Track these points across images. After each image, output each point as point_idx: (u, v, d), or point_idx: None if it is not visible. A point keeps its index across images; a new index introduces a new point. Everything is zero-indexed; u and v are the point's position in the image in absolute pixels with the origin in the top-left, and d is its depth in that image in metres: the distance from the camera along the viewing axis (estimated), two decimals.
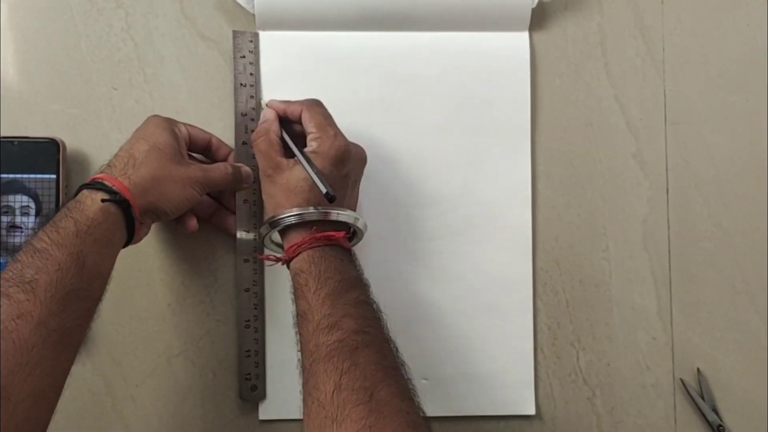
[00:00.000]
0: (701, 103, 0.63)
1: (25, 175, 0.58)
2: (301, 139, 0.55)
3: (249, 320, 0.60)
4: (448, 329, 0.62)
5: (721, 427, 0.61)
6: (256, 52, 0.61)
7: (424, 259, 0.61)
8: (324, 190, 0.51)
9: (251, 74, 0.61)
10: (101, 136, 0.61)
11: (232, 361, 0.61)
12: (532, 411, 0.62)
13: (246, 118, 0.60)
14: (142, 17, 0.62)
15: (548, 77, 0.63)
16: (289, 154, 0.55)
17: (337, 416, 0.43)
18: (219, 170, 0.56)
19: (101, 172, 0.51)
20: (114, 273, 0.61)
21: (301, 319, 0.50)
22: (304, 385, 0.47)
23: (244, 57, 0.61)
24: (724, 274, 0.63)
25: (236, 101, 0.61)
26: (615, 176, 0.63)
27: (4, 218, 0.58)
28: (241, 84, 0.61)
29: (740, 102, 0.63)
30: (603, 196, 0.63)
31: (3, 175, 0.58)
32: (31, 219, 0.58)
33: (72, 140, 0.60)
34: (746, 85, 0.64)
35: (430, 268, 0.61)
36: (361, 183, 0.59)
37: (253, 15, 0.61)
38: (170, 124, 0.55)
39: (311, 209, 0.52)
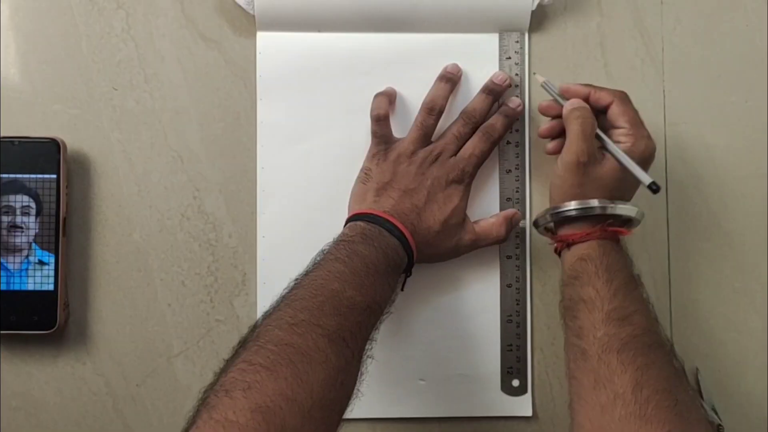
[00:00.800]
0: (701, 103, 0.64)
1: (25, 175, 0.58)
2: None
3: (511, 315, 0.62)
4: (445, 330, 0.62)
5: (720, 427, 0.61)
6: (522, 53, 0.62)
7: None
8: (648, 182, 0.52)
9: (516, 75, 0.62)
10: (102, 136, 0.61)
11: None
12: (528, 413, 0.62)
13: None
14: (143, 18, 0.62)
15: (548, 77, 0.63)
16: None
17: (643, 414, 0.44)
18: (491, 235, 0.59)
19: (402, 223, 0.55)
20: (114, 273, 0.61)
21: (583, 305, 0.51)
22: (578, 371, 0.49)
23: (509, 58, 0.62)
24: (724, 274, 0.63)
25: None
26: None
27: (5, 218, 0.58)
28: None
29: (740, 102, 0.63)
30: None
31: (3, 175, 0.58)
32: (32, 219, 0.58)
33: (72, 140, 0.61)
34: (746, 85, 0.64)
35: (427, 268, 0.61)
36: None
37: (253, 16, 0.61)
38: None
39: (599, 202, 0.53)
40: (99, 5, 0.62)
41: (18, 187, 0.58)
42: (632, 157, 0.53)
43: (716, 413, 0.61)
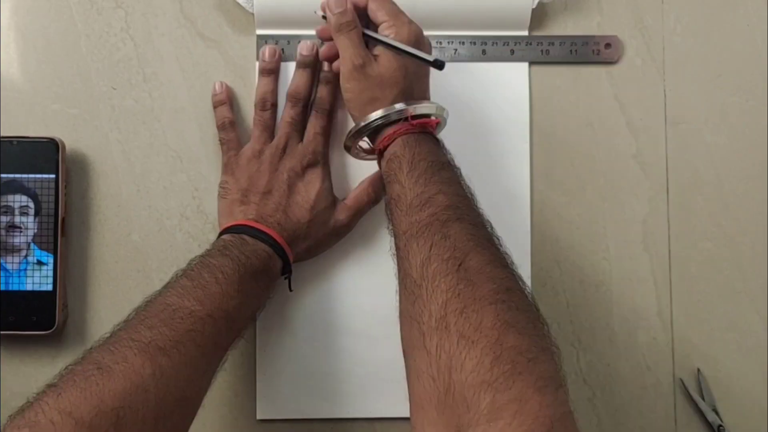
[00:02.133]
0: (701, 103, 0.63)
1: (24, 175, 0.58)
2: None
3: None
4: None
5: (721, 427, 0.61)
6: None
7: None
8: (431, 59, 0.52)
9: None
10: (101, 136, 0.61)
11: (232, 360, 0.61)
12: None
13: None
14: (142, 17, 0.62)
15: (548, 77, 0.63)
16: None
17: (427, 288, 0.42)
18: (363, 201, 0.59)
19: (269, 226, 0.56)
20: (114, 273, 0.61)
21: (393, 202, 0.50)
22: (398, 269, 0.47)
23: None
24: (724, 274, 0.63)
25: None
26: (615, 176, 0.63)
27: (4, 218, 0.58)
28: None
29: (740, 102, 0.63)
30: (603, 196, 0.63)
31: (2, 175, 0.58)
32: (31, 219, 0.58)
33: (71, 140, 0.60)
34: (746, 85, 0.64)
35: None
36: (361, 180, 0.59)
37: (253, 14, 0.61)
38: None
39: (407, 104, 0.52)
40: (98, 5, 0.62)
41: (17, 187, 0.58)
42: (407, 44, 0.53)
43: (716, 413, 0.61)
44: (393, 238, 0.50)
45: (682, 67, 0.64)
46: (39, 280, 0.58)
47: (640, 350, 0.62)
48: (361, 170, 0.61)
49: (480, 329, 0.39)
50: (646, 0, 0.64)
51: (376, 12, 0.54)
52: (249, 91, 0.62)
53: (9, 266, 0.58)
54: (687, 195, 0.63)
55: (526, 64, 0.62)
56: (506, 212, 0.62)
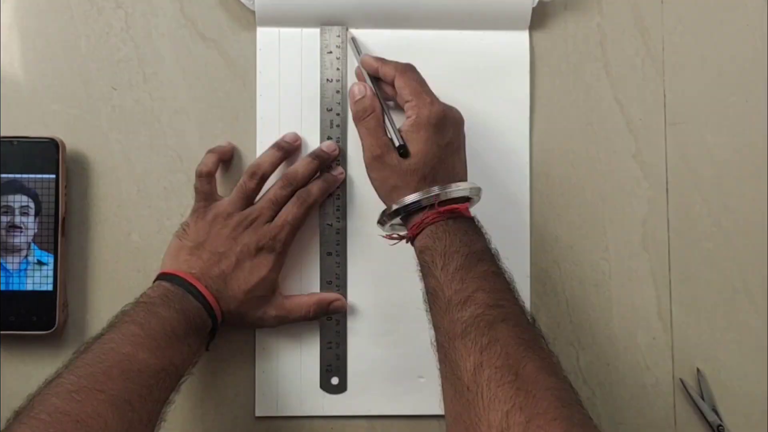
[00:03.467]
0: (701, 103, 0.63)
1: (24, 175, 0.58)
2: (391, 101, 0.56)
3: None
4: None
5: (720, 427, 0.61)
6: (343, 47, 0.61)
7: None
8: (397, 143, 0.52)
9: (338, 69, 0.61)
10: (101, 136, 0.61)
11: (230, 359, 0.61)
12: None
13: (331, 114, 0.61)
14: (142, 17, 0.62)
15: (548, 77, 0.63)
16: None
17: (483, 396, 0.42)
18: (298, 314, 0.59)
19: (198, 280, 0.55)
20: (114, 273, 0.61)
21: (431, 297, 0.49)
22: (441, 365, 0.47)
23: (330, 53, 0.61)
24: (724, 274, 0.63)
25: (322, 97, 0.61)
26: (615, 176, 0.63)
27: (4, 218, 0.58)
28: (327, 80, 0.61)
29: (740, 102, 0.63)
30: (603, 196, 0.63)
31: (3, 175, 0.58)
32: (31, 219, 0.58)
33: (72, 140, 0.60)
34: (746, 85, 0.63)
35: None
36: (362, 179, 0.58)
37: (253, 12, 0.61)
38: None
39: (434, 190, 0.51)
40: (98, 5, 0.62)
41: (17, 187, 0.58)
42: (426, 125, 0.52)
43: (716, 413, 0.61)
44: (432, 329, 0.49)
45: (682, 67, 0.63)
46: (39, 280, 0.58)
47: (640, 350, 0.62)
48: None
49: None
50: (646, 0, 0.64)
51: (402, 90, 0.54)
52: (249, 92, 0.62)
53: (9, 266, 0.58)
54: (687, 195, 0.63)
55: (527, 63, 0.62)
56: (506, 212, 0.62)
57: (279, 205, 0.58)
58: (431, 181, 0.52)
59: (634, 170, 0.63)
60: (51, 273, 0.58)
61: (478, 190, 0.54)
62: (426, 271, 0.50)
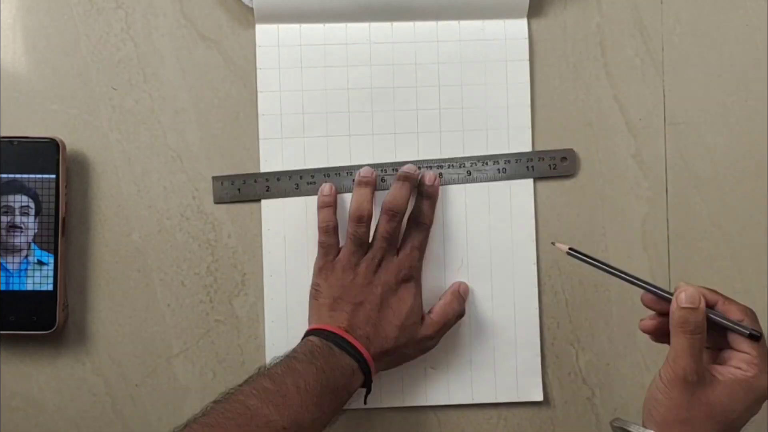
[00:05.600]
0: (701, 103, 0.63)
1: (24, 175, 0.58)
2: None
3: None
4: None
5: None
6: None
7: (428, 248, 0.61)
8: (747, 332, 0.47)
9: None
10: (101, 136, 0.61)
11: (232, 360, 0.61)
12: (539, 397, 0.62)
13: None
14: (142, 17, 0.62)
15: (548, 77, 0.63)
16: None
17: None
18: (450, 316, 0.59)
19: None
20: (114, 273, 0.61)
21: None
22: None
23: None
24: (724, 274, 0.63)
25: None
26: (615, 176, 0.63)
27: (4, 218, 0.58)
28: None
29: (740, 102, 0.63)
30: (603, 196, 0.63)
31: (3, 175, 0.58)
32: (31, 219, 0.58)
33: (72, 140, 0.60)
34: (746, 85, 0.64)
35: (433, 256, 0.61)
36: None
37: (252, 9, 0.61)
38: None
39: None
40: (98, 5, 0.62)
41: (17, 187, 0.58)
42: (750, 391, 0.46)
43: None
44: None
45: (682, 67, 0.64)
46: (39, 280, 0.58)
47: (640, 350, 0.62)
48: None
49: None
50: (646, 0, 0.64)
51: (743, 340, 0.48)
52: (249, 92, 0.62)
53: (9, 266, 0.58)
54: (686, 195, 0.63)
55: (526, 51, 0.62)
56: (508, 212, 0.62)
57: (395, 237, 0.58)
58: None
59: (634, 170, 0.63)
60: (51, 273, 0.58)
61: None
62: None
